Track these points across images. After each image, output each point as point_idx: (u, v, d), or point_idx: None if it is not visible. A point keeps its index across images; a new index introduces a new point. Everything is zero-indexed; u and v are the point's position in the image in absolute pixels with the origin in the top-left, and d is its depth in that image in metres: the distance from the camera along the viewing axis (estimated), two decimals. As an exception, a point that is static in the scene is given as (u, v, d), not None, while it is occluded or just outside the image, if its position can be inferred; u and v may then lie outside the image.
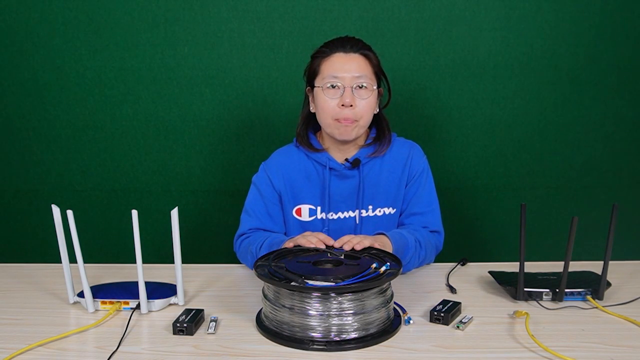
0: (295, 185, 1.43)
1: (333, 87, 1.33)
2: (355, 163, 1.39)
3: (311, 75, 1.39)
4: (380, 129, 1.43)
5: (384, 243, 1.22)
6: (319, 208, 1.42)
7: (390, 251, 1.20)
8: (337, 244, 1.16)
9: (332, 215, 1.41)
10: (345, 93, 1.32)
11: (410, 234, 1.31)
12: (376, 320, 0.99)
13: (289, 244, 1.19)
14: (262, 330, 1.01)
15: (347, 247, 1.13)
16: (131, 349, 0.97)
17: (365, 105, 1.33)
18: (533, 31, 1.79)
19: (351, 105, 1.32)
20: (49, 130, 1.89)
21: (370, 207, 1.41)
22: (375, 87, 1.35)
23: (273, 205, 1.43)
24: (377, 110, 1.40)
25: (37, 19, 1.81)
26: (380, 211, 1.41)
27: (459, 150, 1.88)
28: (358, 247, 1.13)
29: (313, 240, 1.17)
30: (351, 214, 1.41)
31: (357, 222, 1.41)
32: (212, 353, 0.95)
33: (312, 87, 1.38)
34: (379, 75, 1.38)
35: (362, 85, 1.33)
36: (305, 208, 1.42)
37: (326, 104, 1.34)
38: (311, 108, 1.41)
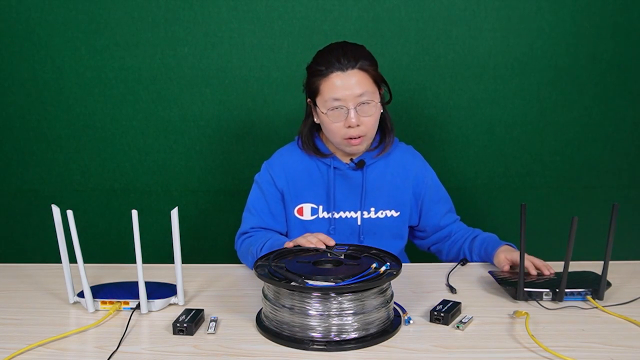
0: (298, 184, 1.42)
1: (336, 108, 1.31)
2: (360, 164, 1.39)
3: (311, 93, 1.36)
4: (384, 127, 1.42)
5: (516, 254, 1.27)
6: (320, 207, 1.42)
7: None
8: (544, 271, 1.23)
9: (334, 214, 1.41)
10: (350, 114, 1.30)
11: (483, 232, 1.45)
12: (376, 320, 0.99)
13: (289, 245, 1.19)
14: (262, 330, 1.01)
15: (546, 272, 1.22)
16: (131, 349, 0.97)
17: (371, 119, 1.33)
18: (533, 31, 1.79)
19: (358, 125, 1.31)
20: (49, 130, 1.89)
21: (373, 209, 1.42)
22: (378, 100, 1.33)
23: (275, 203, 1.43)
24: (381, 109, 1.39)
25: (37, 19, 1.81)
26: (382, 213, 1.42)
27: (459, 150, 1.87)
28: (549, 272, 1.22)
29: (313, 240, 1.17)
30: (353, 214, 1.42)
31: (359, 223, 1.41)
32: (212, 353, 0.95)
33: (314, 102, 1.36)
34: (379, 82, 1.35)
35: (366, 102, 1.31)
36: (307, 207, 1.42)
37: (332, 126, 1.33)
38: (315, 119, 1.39)
